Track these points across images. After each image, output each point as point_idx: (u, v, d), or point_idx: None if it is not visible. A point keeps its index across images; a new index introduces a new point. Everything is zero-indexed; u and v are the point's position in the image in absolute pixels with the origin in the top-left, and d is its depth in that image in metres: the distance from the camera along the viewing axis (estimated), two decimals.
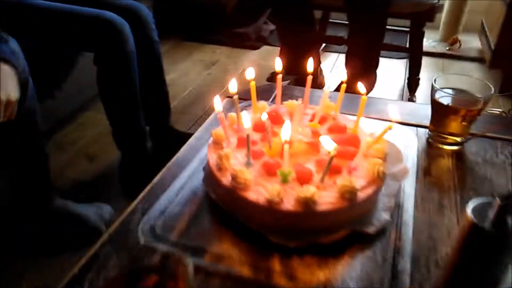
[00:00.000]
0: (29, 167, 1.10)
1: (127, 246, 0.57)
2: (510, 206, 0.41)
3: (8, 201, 1.14)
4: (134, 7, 1.36)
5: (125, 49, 1.23)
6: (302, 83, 0.76)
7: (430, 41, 2.22)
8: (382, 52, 1.56)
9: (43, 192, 1.14)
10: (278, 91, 0.75)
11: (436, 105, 0.72)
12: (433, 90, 0.72)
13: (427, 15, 1.47)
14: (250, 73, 0.70)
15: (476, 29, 2.22)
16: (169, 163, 0.73)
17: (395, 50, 1.92)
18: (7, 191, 1.13)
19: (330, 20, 1.95)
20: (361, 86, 0.68)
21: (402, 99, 1.82)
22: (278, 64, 0.74)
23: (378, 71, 1.60)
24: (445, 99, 0.71)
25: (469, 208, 0.44)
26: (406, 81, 1.79)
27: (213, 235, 0.60)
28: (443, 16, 2.21)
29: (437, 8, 1.49)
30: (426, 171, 0.70)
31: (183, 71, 2.19)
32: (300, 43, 1.56)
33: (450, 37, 2.19)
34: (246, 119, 0.61)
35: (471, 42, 2.21)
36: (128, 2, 1.37)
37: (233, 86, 0.67)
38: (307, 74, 0.73)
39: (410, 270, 0.52)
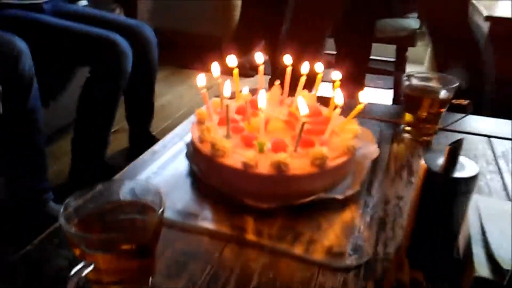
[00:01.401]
0: (27, 164, 1.15)
1: None
2: (458, 149, 0.45)
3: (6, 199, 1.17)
4: (139, 28, 1.47)
5: (122, 69, 1.32)
6: None
7: None
8: (370, 83, 1.66)
9: (39, 192, 1.17)
10: (260, 82, 0.81)
11: (407, 97, 0.78)
12: (404, 82, 0.78)
13: (409, 39, 1.59)
14: (231, 60, 0.76)
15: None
16: (147, 152, 0.77)
17: (382, 74, 2.02)
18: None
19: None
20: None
21: None
22: (259, 58, 0.80)
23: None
24: (416, 91, 0.77)
25: (424, 157, 0.48)
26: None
27: (194, 200, 0.63)
28: (428, 52, 2.34)
29: (418, 35, 1.60)
30: (397, 155, 0.74)
31: (178, 94, 2.28)
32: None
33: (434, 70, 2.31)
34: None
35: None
36: (134, 23, 1.49)
37: (216, 69, 0.73)
38: (286, 67, 0.79)
39: (376, 232, 0.55)
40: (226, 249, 0.54)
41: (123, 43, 1.32)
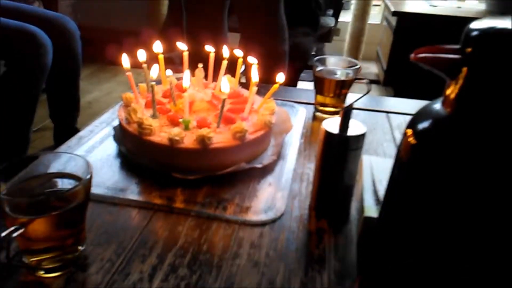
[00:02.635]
0: None
1: None
2: (349, 113, 0.54)
3: None
4: (60, 20, 1.43)
5: (41, 62, 1.28)
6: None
7: None
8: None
9: None
10: (186, 67, 0.85)
11: (316, 79, 0.87)
12: (314, 67, 0.87)
13: (326, 36, 1.72)
14: (157, 47, 0.80)
15: (373, 57, 2.57)
16: (73, 138, 0.78)
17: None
18: None
19: None
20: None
21: None
22: (181, 45, 0.85)
23: None
24: (323, 74, 0.86)
25: (323, 122, 0.56)
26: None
27: (123, 177, 0.66)
28: (345, 46, 2.53)
29: (334, 31, 1.74)
30: (310, 131, 0.83)
31: (106, 90, 2.23)
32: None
33: None
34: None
35: (370, 68, 2.55)
36: (54, 15, 1.44)
37: (142, 55, 0.76)
38: (209, 53, 0.84)
39: (289, 192, 0.63)
40: (154, 218, 0.58)
41: (42, 35, 1.28)
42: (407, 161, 0.39)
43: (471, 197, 0.34)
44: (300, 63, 1.74)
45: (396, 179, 0.40)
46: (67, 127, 1.58)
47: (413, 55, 0.34)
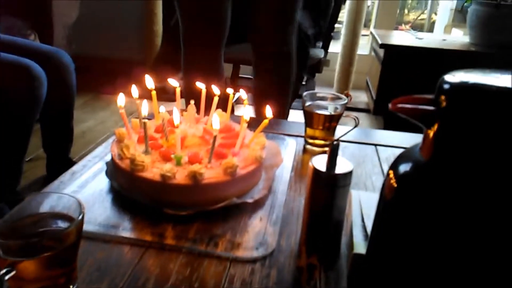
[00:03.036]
0: None
1: None
2: (336, 150, 0.55)
3: None
4: (55, 53, 1.46)
5: (35, 95, 1.30)
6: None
7: None
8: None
9: None
10: (178, 103, 0.87)
11: (306, 114, 0.90)
12: (303, 101, 0.89)
13: (316, 67, 1.77)
14: (149, 82, 0.82)
15: (363, 87, 2.63)
16: (66, 173, 0.79)
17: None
18: None
19: (241, 76, 2.21)
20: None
21: None
22: (173, 82, 0.87)
23: None
24: (312, 108, 0.89)
25: (312, 160, 0.58)
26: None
27: (115, 214, 0.66)
28: (335, 76, 2.60)
29: (324, 62, 1.80)
30: (300, 164, 0.85)
31: (101, 119, 2.24)
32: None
33: (342, 92, 2.57)
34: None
35: (360, 97, 2.60)
36: (49, 48, 1.47)
37: (135, 91, 0.78)
38: (200, 90, 0.87)
39: (280, 227, 0.64)
40: (146, 255, 0.58)
41: (36, 68, 1.30)
42: (390, 200, 0.40)
43: (451, 235, 0.36)
44: (291, 94, 1.78)
45: (381, 216, 0.42)
46: (60, 157, 1.58)
47: (391, 105, 0.36)
